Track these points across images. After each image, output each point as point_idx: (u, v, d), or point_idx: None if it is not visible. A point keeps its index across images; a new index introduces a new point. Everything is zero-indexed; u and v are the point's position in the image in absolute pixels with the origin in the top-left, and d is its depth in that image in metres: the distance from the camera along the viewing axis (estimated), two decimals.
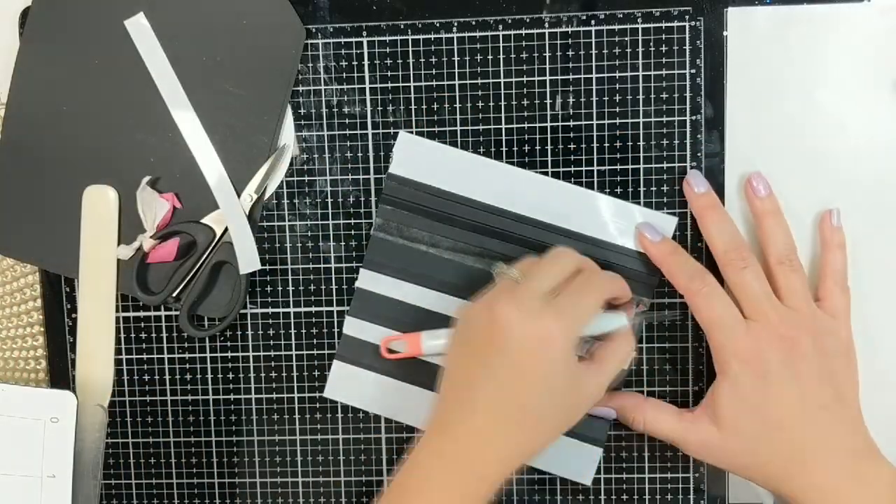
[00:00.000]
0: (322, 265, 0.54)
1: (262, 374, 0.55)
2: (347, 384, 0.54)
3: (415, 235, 0.52)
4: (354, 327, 0.53)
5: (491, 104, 0.52)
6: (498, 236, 0.52)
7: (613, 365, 0.47)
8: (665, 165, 0.52)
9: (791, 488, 0.46)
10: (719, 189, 0.52)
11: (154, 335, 0.55)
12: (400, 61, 0.52)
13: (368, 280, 0.53)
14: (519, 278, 0.46)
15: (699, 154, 0.52)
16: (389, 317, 0.53)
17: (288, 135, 0.53)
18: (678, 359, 0.53)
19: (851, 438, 0.47)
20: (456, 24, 0.52)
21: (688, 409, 0.50)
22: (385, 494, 0.46)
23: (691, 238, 0.52)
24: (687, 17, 0.51)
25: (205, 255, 0.53)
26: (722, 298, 0.48)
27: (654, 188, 0.52)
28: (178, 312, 0.54)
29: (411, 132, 0.53)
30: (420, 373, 0.53)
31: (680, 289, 0.49)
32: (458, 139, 0.53)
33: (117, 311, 0.55)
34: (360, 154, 0.53)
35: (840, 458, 0.46)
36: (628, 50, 0.51)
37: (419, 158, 0.52)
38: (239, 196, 0.53)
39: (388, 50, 0.53)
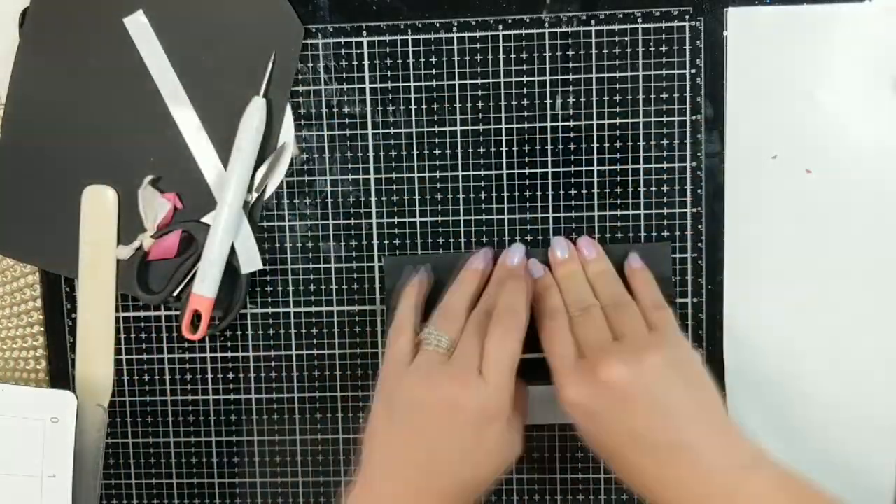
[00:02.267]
0: (322, 265, 0.54)
1: (262, 374, 0.55)
2: None
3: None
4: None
5: (491, 104, 0.52)
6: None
7: (523, 417, 0.49)
8: (665, 165, 0.52)
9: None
10: (719, 189, 0.52)
11: (154, 335, 0.55)
12: (400, 61, 0.52)
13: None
14: (444, 348, 0.46)
15: (699, 154, 0.52)
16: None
17: (288, 134, 0.53)
18: None
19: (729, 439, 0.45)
20: (456, 24, 0.52)
21: None
22: None
23: (691, 237, 0.52)
24: (687, 17, 0.51)
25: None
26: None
27: (654, 188, 0.52)
28: (178, 312, 0.54)
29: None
30: None
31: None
32: (458, 139, 0.53)
33: (117, 311, 0.55)
34: (360, 154, 0.53)
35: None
36: (628, 50, 0.51)
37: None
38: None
39: (388, 50, 0.52)
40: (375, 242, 0.54)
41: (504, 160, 0.52)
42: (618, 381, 0.43)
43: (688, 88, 0.51)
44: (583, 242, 0.51)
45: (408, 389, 0.46)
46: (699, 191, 0.52)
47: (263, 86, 0.52)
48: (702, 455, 0.42)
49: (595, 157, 0.52)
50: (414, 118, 0.53)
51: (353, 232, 0.54)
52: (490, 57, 0.52)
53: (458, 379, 0.45)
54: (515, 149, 0.52)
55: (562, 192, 0.52)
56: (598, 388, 0.44)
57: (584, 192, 0.52)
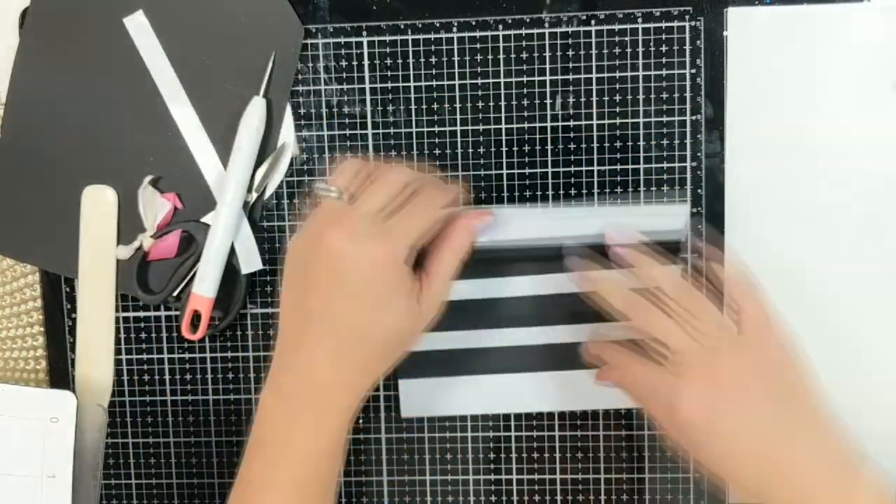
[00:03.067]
0: None
1: (262, 375, 0.55)
2: (421, 399, 0.53)
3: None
4: None
5: (491, 104, 0.52)
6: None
7: (445, 274, 0.47)
8: (665, 165, 0.52)
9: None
10: (719, 189, 0.52)
11: (154, 335, 0.55)
12: (400, 61, 0.52)
13: None
14: (342, 198, 0.45)
15: (699, 154, 0.52)
16: (440, 321, 0.51)
17: (288, 134, 0.53)
18: None
19: (826, 452, 0.44)
20: (456, 24, 0.52)
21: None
22: (246, 450, 0.46)
23: (691, 237, 0.52)
24: (687, 17, 0.51)
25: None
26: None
27: (654, 188, 0.52)
28: (178, 312, 0.54)
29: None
30: (484, 360, 0.53)
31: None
32: (458, 139, 0.53)
33: (117, 311, 0.55)
34: (360, 154, 0.53)
35: (820, 473, 0.43)
36: (628, 50, 0.51)
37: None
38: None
39: (388, 50, 0.52)
40: None
41: (504, 160, 0.52)
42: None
43: (688, 88, 0.51)
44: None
45: (303, 239, 0.45)
46: (699, 191, 0.52)
47: (263, 86, 0.52)
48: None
49: (595, 157, 0.52)
50: (414, 118, 0.53)
51: None
52: (490, 57, 0.52)
53: (349, 219, 0.44)
54: (515, 149, 0.52)
55: (562, 192, 0.52)
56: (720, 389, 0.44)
57: (584, 192, 0.52)
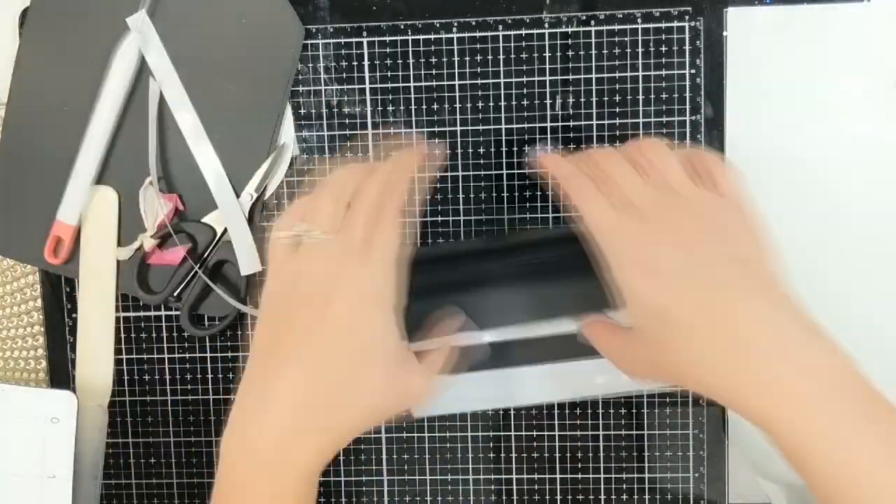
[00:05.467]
0: None
1: None
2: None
3: None
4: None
5: (491, 104, 0.52)
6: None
7: (439, 370, 0.44)
8: None
9: (735, 385, 0.38)
10: None
11: (154, 335, 0.55)
12: (400, 61, 0.53)
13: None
14: (318, 236, 0.41)
15: None
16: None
17: (288, 134, 0.53)
18: None
19: (785, 315, 0.39)
20: (456, 24, 0.52)
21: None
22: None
23: None
24: (687, 17, 0.51)
25: (205, 255, 0.53)
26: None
27: None
28: (178, 312, 0.54)
29: None
30: (488, 356, 0.51)
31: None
32: (458, 139, 0.53)
33: (117, 311, 0.55)
34: (360, 154, 0.53)
35: (778, 344, 0.38)
36: (628, 50, 0.51)
37: None
38: (238, 196, 0.53)
39: (388, 50, 0.53)
40: None
41: (504, 160, 0.52)
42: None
43: (688, 88, 0.51)
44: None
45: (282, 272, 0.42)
46: None
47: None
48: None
49: None
50: (414, 118, 0.53)
51: None
52: (490, 57, 0.52)
53: (337, 254, 0.40)
54: (515, 149, 0.52)
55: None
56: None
57: None
